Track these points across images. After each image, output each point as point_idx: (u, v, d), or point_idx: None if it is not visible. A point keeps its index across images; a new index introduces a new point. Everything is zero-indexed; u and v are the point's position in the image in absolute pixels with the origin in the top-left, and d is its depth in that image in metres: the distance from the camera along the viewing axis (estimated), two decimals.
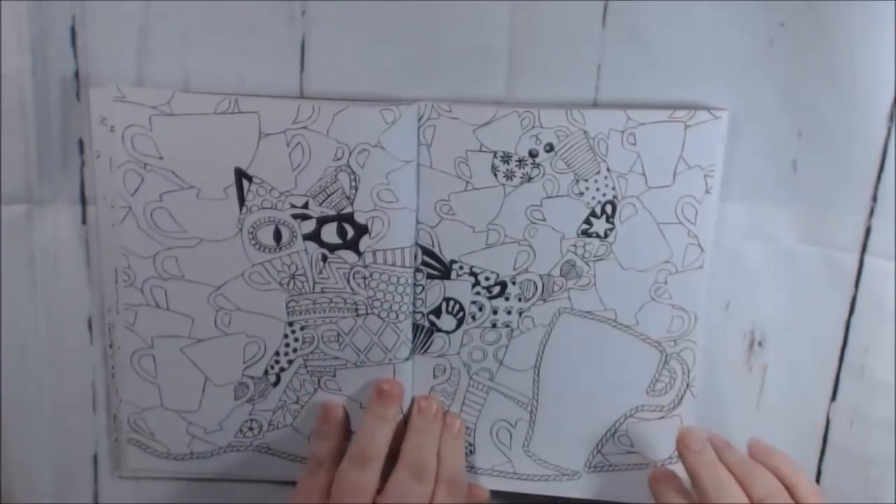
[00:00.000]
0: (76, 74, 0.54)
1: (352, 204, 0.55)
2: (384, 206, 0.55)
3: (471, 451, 0.60)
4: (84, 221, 0.57)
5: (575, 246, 0.56)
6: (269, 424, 0.59)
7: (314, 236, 0.55)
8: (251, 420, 0.59)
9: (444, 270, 0.56)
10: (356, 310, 0.56)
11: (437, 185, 0.55)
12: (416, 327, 0.58)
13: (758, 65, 0.54)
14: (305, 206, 0.55)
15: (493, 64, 0.54)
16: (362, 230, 0.55)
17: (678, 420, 0.59)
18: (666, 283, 0.56)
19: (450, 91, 0.54)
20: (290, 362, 0.58)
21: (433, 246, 0.56)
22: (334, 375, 0.58)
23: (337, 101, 0.54)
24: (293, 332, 0.57)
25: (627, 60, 0.54)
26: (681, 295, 0.57)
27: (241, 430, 0.59)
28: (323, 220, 0.55)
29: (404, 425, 0.58)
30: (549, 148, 0.54)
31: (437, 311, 0.57)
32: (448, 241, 0.56)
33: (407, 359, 0.58)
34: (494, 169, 0.55)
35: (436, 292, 0.57)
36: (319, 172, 0.54)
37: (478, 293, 0.57)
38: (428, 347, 0.58)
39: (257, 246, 0.55)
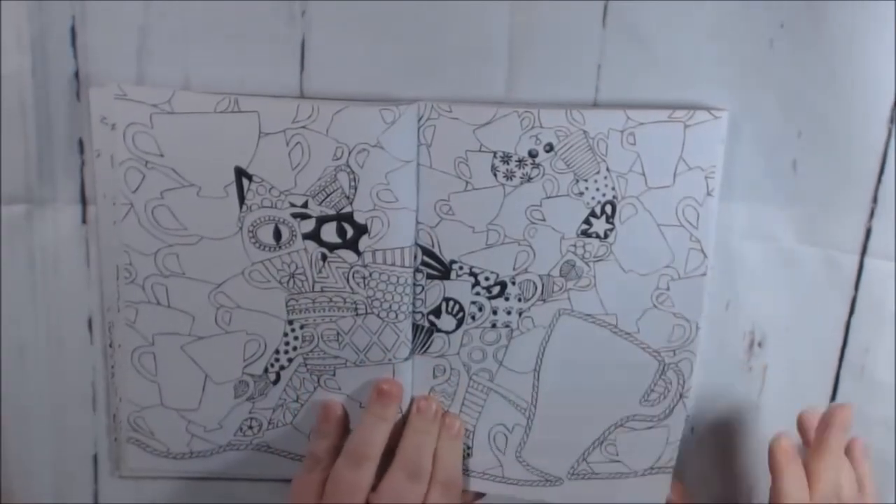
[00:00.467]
0: (76, 74, 0.54)
1: (351, 203, 0.55)
2: (384, 205, 0.55)
3: (468, 455, 0.60)
4: (84, 221, 0.57)
5: (575, 246, 0.56)
6: (269, 423, 0.59)
7: (314, 235, 0.55)
8: (251, 419, 0.59)
9: (443, 270, 0.56)
10: (356, 309, 0.56)
11: (436, 185, 0.55)
12: (416, 327, 0.58)
13: (758, 65, 0.54)
14: (305, 205, 0.55)
15: (493, 64, 0.54)
16: (362, 230, 0.55)
17: (666, 431, 0.59)
18: (668, 289, 0.56)
19: (450, 91, 0.54)
20: (289, 360, 0.58)
21: (433, 246, 0.56)
22: (334, 374, 0.58)
23: (336, 100, 0.54)
24: (293, 330, 0.57)
25: (627, 60, 0.54)
26: (683, 302, 0.57)
27: (240, 429, 0.59)
28: (322, 220, 0.55)
29: (402, 425, 0.58)
30: (549, 148, 0.54)
31: (436, 311, 0.57)
32: (448, 241, 0.56)
33: (406, 359, 0.58)
34: (494, 169, 0.55)
35: (435, 292, 0.57)
36: (319, 172, 0.54)
37: (477, 293, 0.57)
38: (427, 348, 0.58)
39: (257, 244, 0.55)
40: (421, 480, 0.55)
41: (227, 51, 0.54)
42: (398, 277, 0.56)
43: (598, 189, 0.55)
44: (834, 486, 0.55)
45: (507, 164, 0.55)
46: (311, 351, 0.58)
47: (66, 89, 0.55)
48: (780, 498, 0.54)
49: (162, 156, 0.54)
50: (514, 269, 0.56)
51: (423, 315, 0.57)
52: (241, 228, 0.55)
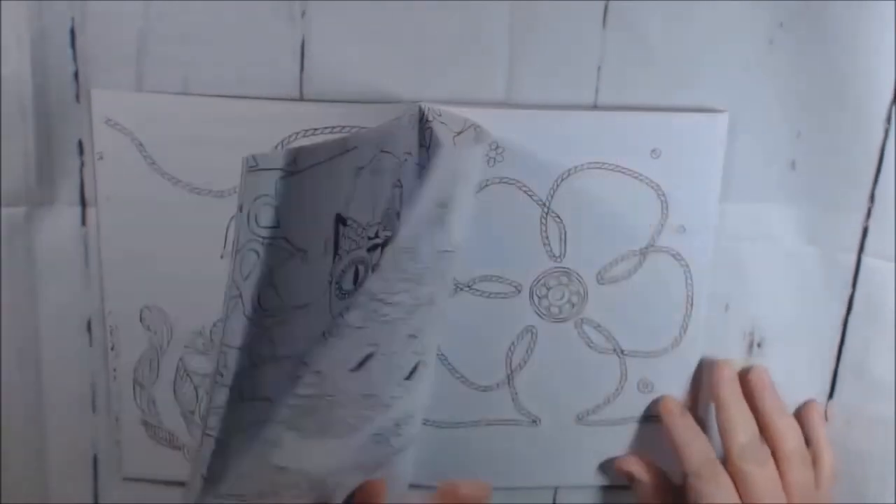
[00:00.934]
0: (76, 75, 0.54)
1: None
2: None
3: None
4: (84, 223, 0.57)
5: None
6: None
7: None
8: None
9: None
10: None
11: None
12: None
13: (757, 65, 0.54)
14: (376, 234, 0.50)
15: (493, 65, 0.54)
16: None
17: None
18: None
19: (450, 92, 0.54)
20: None
21: None
22: None
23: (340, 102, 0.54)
24: None
25: (627, 61, 0.54)
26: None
27: None
28: (384, 245, 0.51)
29: None
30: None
31: None
32: None
33: None
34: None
35: None
36: (388, 192, 0.50)
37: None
38: None
39: (340, 294, 0.48)
40: None
41: (227, 51, 0.54)
42: None
43: None
44: (749, 431, 0.57)
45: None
46: None
47: (66, 90, 0.55)
48: (681, 453, 0.57)
49: (278, 227, 0.43)
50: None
51: None
52: (330, 283, 0.48)
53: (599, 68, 0.55)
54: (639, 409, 0.60)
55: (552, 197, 0.55)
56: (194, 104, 0.54)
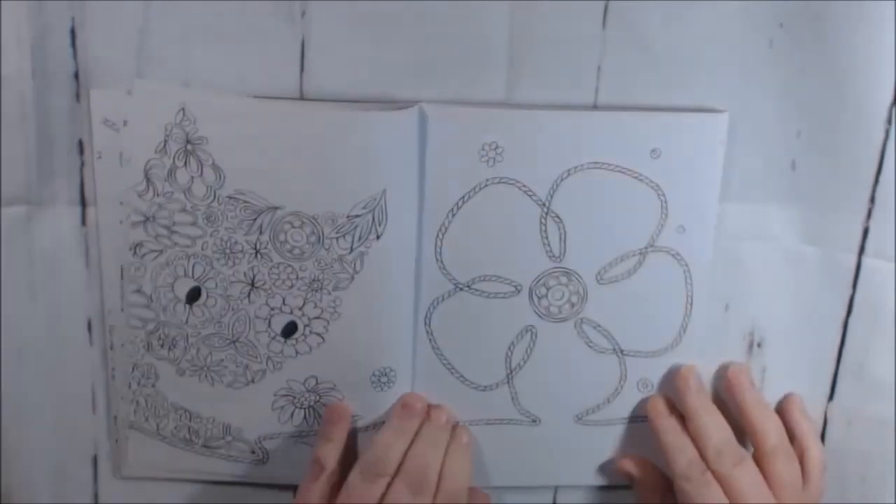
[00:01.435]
0: (76, 75, 0.54)
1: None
2: None
3: None
4: (84, 223, 0.57)
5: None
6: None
7: None
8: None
9: None
10: None
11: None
12: None
13: (757, 65, 0.54)
14: None
15: (493, 65, 0.54)
16: None
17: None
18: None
19: (450, 92, 0.54)
20: None
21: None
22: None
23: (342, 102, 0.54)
24: None
25: (627, 61, 0.54)
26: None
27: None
28: None
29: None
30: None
31: None
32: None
33: None
34: None
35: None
36: None
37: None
38: None
39: None
40: (425, 494, 0.54)
41: (227, 51, 0.54)
42: None
43: None
44: (721, 434, 0.57)
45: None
46: None
47: (66, 90, 0.55)
48: (668, 456, 0.57)
49: None
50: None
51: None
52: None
53: (599, 68, 0.55)
54: (639, 409, 0.60)
55: (552, 197, 0.55)
56: (203, 101, 0.54)
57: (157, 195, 0.55)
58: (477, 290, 0.57)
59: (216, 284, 0.56)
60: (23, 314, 0.58)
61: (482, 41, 0.54)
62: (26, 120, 0.54)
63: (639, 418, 0.60)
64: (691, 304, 0.58)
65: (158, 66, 0.54)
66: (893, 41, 0.53)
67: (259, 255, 0.55)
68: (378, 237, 0.55)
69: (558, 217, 0.56)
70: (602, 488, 0.63)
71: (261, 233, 0.55)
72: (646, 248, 0.57)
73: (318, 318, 0.56)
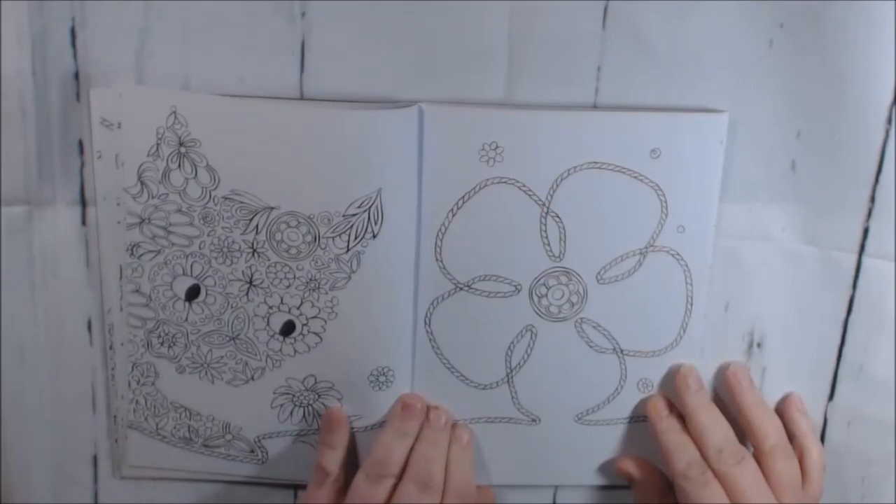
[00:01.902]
0: (76, 75, 0.54)
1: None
2: None
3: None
4: (84, 223, 0.57)
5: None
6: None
7: None
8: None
9: None
10: None
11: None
12: None
13: (757, 66, 0.54)
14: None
15: (493, 65, 0.54)
16: None
17: None
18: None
19: (450, 92, 0.54)
20: None
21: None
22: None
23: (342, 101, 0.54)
24: None
25: (627, 62, 0.54)
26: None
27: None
28: None
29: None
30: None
31: None
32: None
33: None
34: None
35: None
36: None
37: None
38: None
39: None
40: (433, 493, 0.55)
41: (227, 51, 0.54)
42: None
43: None
44: (721, 433, 0.57)
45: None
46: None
47: (66, 90, 0.55)
48: (667, 456, 0.57)
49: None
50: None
51: None
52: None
53: (599, 68, 0.54)
54: (639, 409, 0.60)
55: (552, 197, 0.55)
56: (194, 103, 0.54)
57: (152, 197, 0.55)
58: (477, 289, 0.57)
59: (215, 282, 0.56)
60: (23, 314, 0.58)
61: (482, 41, 0.54)
62: (26, 120, 0.54)
63: (639, 418, 0.60)
64: (691, 304, 0.58)
65: (158, 66, 0.54)
66: (893, 41, 0.52)
67: (256, 255, 0.55)
68: (374, 236, 0.55)
69: (558, 217, 0.56)
70: (602, 488, 0.63)
71: (257, 232, 0.55)
72: (646, 247, 0.57)
73: (315, 317, 0.57)
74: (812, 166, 0.56)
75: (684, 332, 0.58)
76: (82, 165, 0.56)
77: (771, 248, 0.58)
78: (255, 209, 0.55)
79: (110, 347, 0.59)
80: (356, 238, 0.55)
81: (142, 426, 0.60)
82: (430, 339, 0.58)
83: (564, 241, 0.56)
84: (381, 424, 0.59)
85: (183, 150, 0.54)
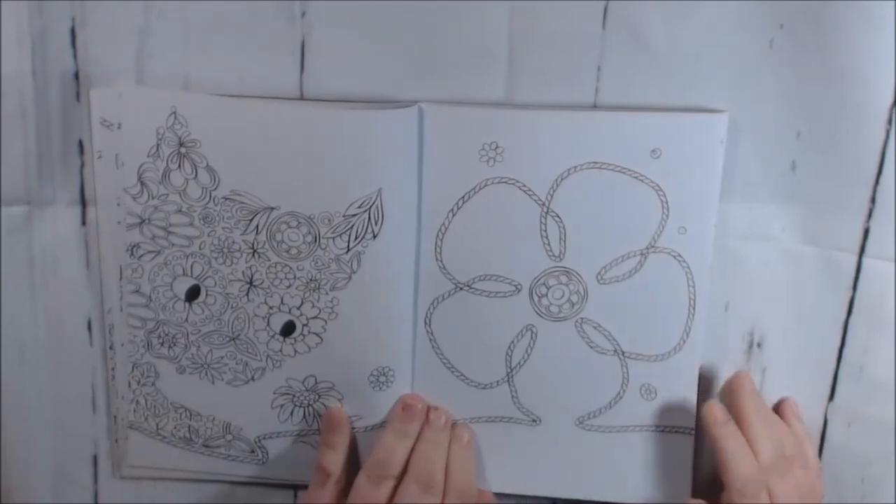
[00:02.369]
0: (76, 75, 0.54)
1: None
2: None
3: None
4: (84, 223, 0.57)
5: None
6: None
7: None
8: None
9: None
10: None
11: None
12: None
13: (757, 66, 0.54)
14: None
15: (493, 65, 0.54)
16: None
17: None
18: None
19: (450, 92, 0.54)
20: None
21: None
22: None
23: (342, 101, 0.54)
24: None
25: (627, 62, 0.54)
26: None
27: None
28: None
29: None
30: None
31: None
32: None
33: None
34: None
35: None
36: None
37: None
38: None
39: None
40: (434, 493, 0.55)
41: (228, 51, 0.54)
42: None
43: None
44: (774, 444, 0.55)
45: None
46: None
47: (66, 90, 0.55)
48: (727, 466, 0.54)
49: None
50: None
51: None
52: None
53: (599, 68, 0.54)
54: (642, 417, 0.60)
55: (552, 197, 0.55)
56: (194, 104, 0.54)
57: (152, 198, 0.55)
58: (477, 289, 0.57)
59: (215, 283, 0.56)
60: (22, 314, 0.58)
61: (482, 41, 0.54)
62: (26, 120, 0.54)
63: (645, 428, 0.60)
64: (694, 307, 0.58)
65: (158, 66, 0.54)
66: (893, 41, 0.52)
67: (256, 255, 0.55)
68: (375, 236, 0.55)
69: (558, 216, 0.56)
70: None
71: (257, 232, 0.55)
72: (647, 248, 0.57)
73: (316, 317, 0.57)
74: (812, 166, 0.56)
75: (687, 335, 0.58)
76: (82, 165, 0.56)
77: (771, 248, 0.58)
78: (256, 209, 0.55)
79: (110, 347, 0.59)
80: (356, 238, 0.55)
81: (142, 426, 0.60)
82: (431, 339, 0.58)
83: (564, 241, 0.56)
84: (382, 425, 0.59)
85: (183, 150, 0.54)
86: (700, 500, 0.57)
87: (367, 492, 0.55)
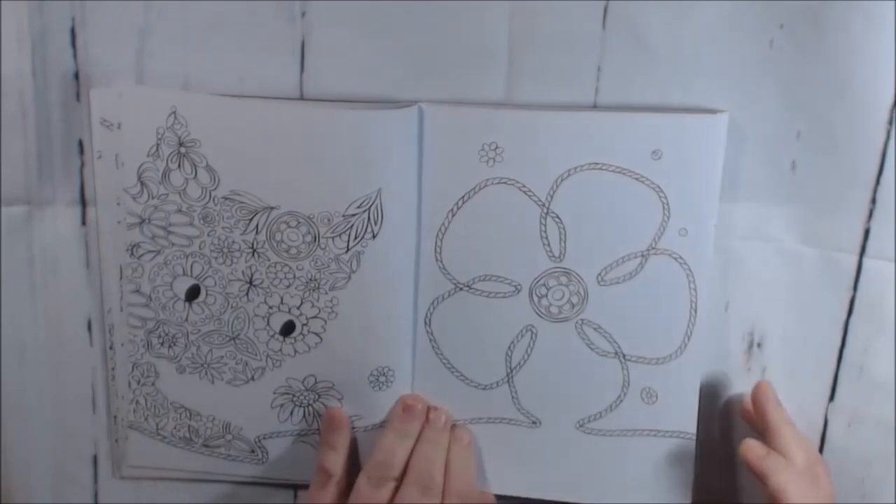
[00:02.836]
0: (76, 75, 0.54)
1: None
2: None
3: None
4: (84, 223, 0.57)
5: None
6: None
7: None
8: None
9: None
10: None
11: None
12: None
13: (757, 66, 0.54)
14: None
15: (493, 65, 0.54)
16: None
17: None
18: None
19: (450, 92, 0.54)
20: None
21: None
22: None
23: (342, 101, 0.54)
24: None
25: (627, 62, 0.54)
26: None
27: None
28: None
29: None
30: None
31: None
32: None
33: None
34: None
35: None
36: None
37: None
38: None
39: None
40: (434, 494, 0.55)
41: (227, 51, 0.54)
42: None
43: None
44: (804, 451, 0.55)
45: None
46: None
47: (66, 90, 0.55)
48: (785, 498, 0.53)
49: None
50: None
51: None
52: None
53: (599, 68, 0.54)
54: (643, 421, 0.59)
55: (552, 197, 0.55)
56: (194, 104, 0.54)
57: (152, 197, 0.55)
58: (477, 289, 0.57)
59: (215, 282, 0.56)
60: (22, 314, 0.58)
61: (482, 41, 0.54)
62: (26, 120, 0.55)
63: (645, 433, 0.60)
64: (695, 310, 0.57)
65: (158, 66, 0.54)
66: (893, 41, 0.52)
67: (256, 255, 0.55)
68: (374, 236, 0.55)
69: (558, 217, 0.56)
70: None
71: (257, 232, 0.55)
72: (647, 250, 0.57)
73: (315, 317, 0.57)
74: (812, 166, 0.56)
75: (689, 339, 0.58)
76: (82, 165, 0.56)
77: (771, 248, 0.58)
78: (255, 209, 0.55)
79: (110, 347, 0.59)
80: (356, 238, 0.55)
81: (142, 426, 0.60)
82: (430, 339, 0.58)
83: (564, 242, 0.56)
84: (382, 425, 0.59)
85: (183, 150, 0.54)
86: None
87: (367, 493, 0.55)
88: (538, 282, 0.57)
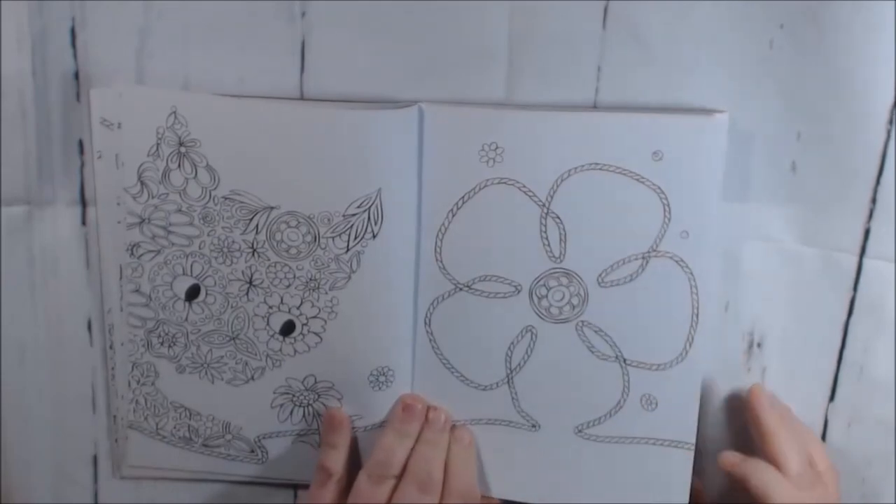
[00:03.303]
0: (76, 75, 0.54)
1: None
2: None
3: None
4: (84, 223, 0.57)
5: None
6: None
7: None
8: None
9: None
10: None
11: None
12: None
13: (757, 66, 0.54)
14: None
15: (493, 65, 0.54)
16: None
17: None
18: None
19: (450, 92, 0.54)
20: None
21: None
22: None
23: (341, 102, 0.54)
24: None
25: (627, 62, 0.54)
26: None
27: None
28: None
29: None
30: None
31: None
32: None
33: None
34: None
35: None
36: None
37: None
38: None
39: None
40: (432, 493, 0.55)
41: (227, 51, 0.54)
42: None
43: None
44: (801, 456, 0.55)
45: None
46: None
47: (66, 90, 0.55)
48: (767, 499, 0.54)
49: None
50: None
51: None
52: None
53: (599, 68, 0.54)
54: (642, 428, 0.59)
55: (552, 197, 0.55)
56: (194, 103, 0.54)
57: (152, 197, 0.55)
58: (477, 290, 0.57)
59: (215, 282, 0.56)
60: (23, 314, 0.58)
61: (482, 41, 0.54)
62: (26, 120, 0.55)
63: (645, 441, 0.59)
64: (697, 315, 0.57)
65: (158, 66, 0.54)
66: (893, 41, 0.52)
67: (256, 254, 0.56)
68: (374, 236, 0.55)
69: (558, 217, 0.56)
70: None
71: (257, 232, 0.55)
72: (648, 252, 0.56)
73: (315, 317, 0.57)
74: (812, 167, 0.56)
75: (690, 345, 0.57)
76: (82, 165, 0.56)
77: (771, 248, 0.58)
78: (255, 209, 0.55)
79: (110, 347, 0.59)
80: (356, 238, 0.55)
81: (142, 426, 0.60)
82: (430, 339, 0.58)
83: (565, 243, 0.56)
84: (382, 424, 0.59)
85: (183, 150, 0.54)
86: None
87: (367, 492, 0.55)
88: (538, 282, 0.57)
